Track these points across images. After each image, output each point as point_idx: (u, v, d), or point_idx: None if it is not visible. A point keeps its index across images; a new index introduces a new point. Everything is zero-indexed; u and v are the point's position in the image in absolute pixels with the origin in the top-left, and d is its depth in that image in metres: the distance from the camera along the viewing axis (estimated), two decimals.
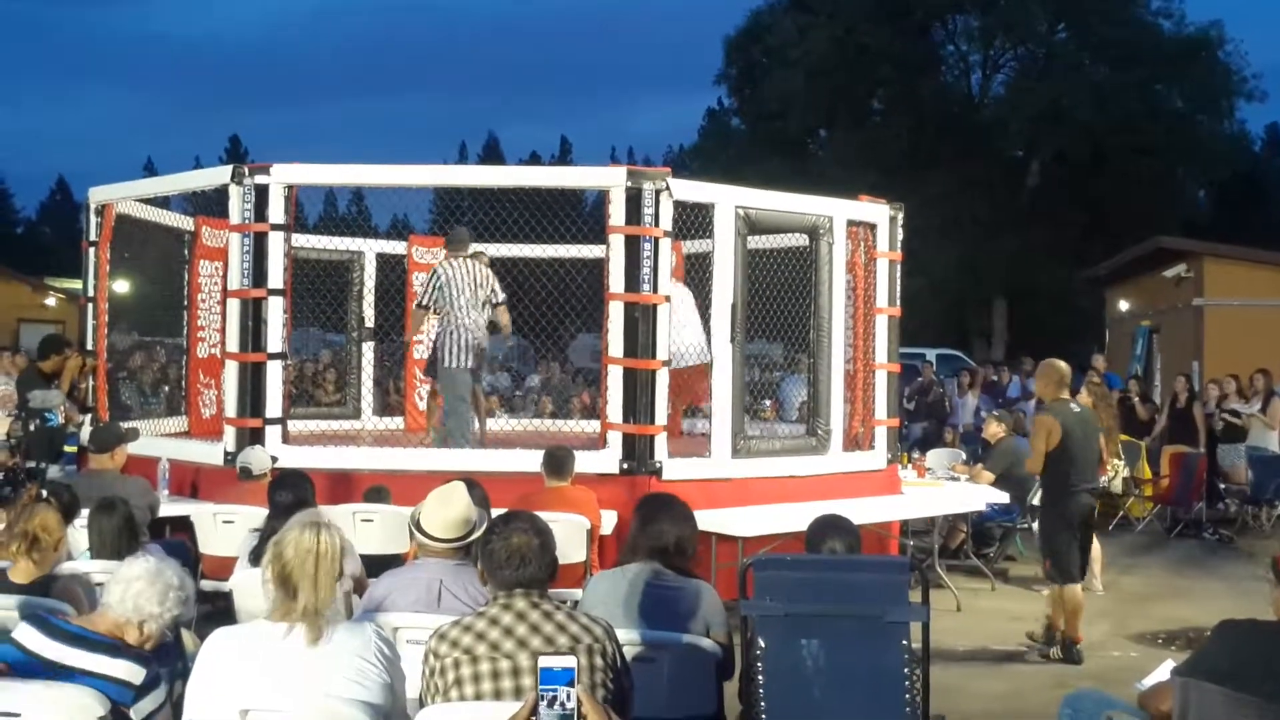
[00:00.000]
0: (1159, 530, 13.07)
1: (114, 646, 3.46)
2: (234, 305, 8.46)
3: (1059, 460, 7.67)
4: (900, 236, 9.53)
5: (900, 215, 9.52)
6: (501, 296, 9.28)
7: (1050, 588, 7.93)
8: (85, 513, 5.66)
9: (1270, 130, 53.57)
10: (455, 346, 9.05)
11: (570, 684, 2.78)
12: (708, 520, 7.25)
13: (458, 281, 9.05)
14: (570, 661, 2.81)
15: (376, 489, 7.53)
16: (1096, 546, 9.95)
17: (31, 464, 8.82)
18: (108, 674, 3.38)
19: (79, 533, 5.65)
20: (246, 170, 8.37)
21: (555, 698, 2.77)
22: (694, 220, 8.49)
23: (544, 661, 2.81)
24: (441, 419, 9.49)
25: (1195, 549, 12.07)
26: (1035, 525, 10.47)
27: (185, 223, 10.64)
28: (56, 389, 9.31)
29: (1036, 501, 10.42)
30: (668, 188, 7.99)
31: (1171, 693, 3.80)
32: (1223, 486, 13.83)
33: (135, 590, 3.50)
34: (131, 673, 3.41)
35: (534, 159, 68.29)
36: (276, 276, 8.33)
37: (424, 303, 9.18)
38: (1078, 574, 7.74)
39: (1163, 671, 4.32)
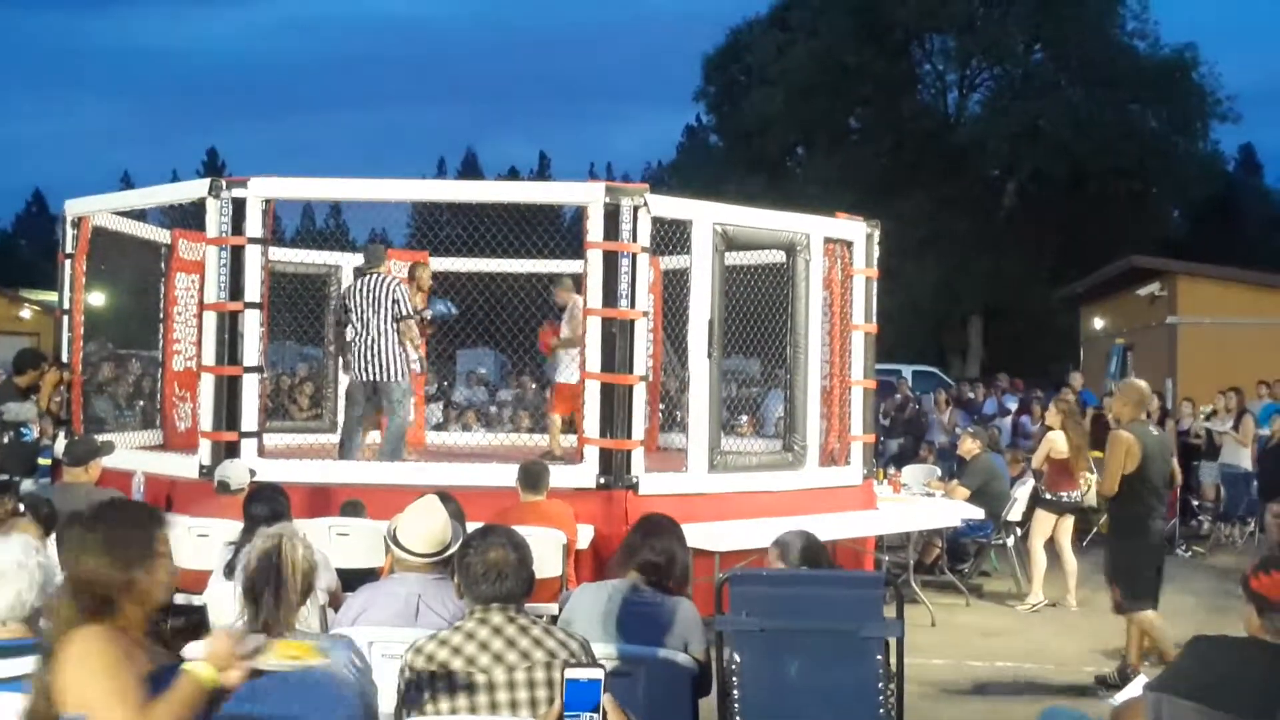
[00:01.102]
0: None
1: (38, 645, 3.44)
2: (210, 318, 8.44)
3: (1136, 484, 7.24)
4: (877, 254, 9.59)
5: (877, 232, 9.57)
6: (404, 311, 9.05)
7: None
8: None
9: (1244, 151, 54.00)
10: (346, 361, 9.38)
11: (596, 706, 2.67)
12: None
13: (356, 299, 9.08)
14: (597, 673, 2.70)
15: (352, 503, 7.50)
16: (1072, 562, 10.03)
17: (5, 477, 8.75)
18: None
19: (50, 546, 5.62)
20: (224, 183, 8.36)
21: (582, 714, 2.67)
22: (672, 236, 8.52)
23: (570, 674, 2.70)
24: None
25: (1168, 565, 12.05)
26: (1010, 541, 10.56)
27: (162, 236, 10.61)
28: (33, 403, 9.26)
29: (1010, 518, 10.52)
30: (646, 204, 8.01)
31: (1144, 708, 3.81)
32: (1195, 503, 13.92)
33: (14, 589, 3.45)
34: None
35: (513, 174, 68.21)
36: (253, 290, 8.31)
37: (338, 318, 9.49)
38: (1151, 599, 7.36)
39: (1135, 687, 4.35)
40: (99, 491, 7.12)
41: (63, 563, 2.96)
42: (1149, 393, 7.91)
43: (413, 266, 10.71)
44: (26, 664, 3.35)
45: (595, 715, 2.66)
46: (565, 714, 2.66)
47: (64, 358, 9.72)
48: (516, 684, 3.38)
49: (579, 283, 8.62)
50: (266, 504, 5.71)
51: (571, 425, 10.57)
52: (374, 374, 8.95)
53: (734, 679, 4.29)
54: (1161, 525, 7.53)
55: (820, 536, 4.95)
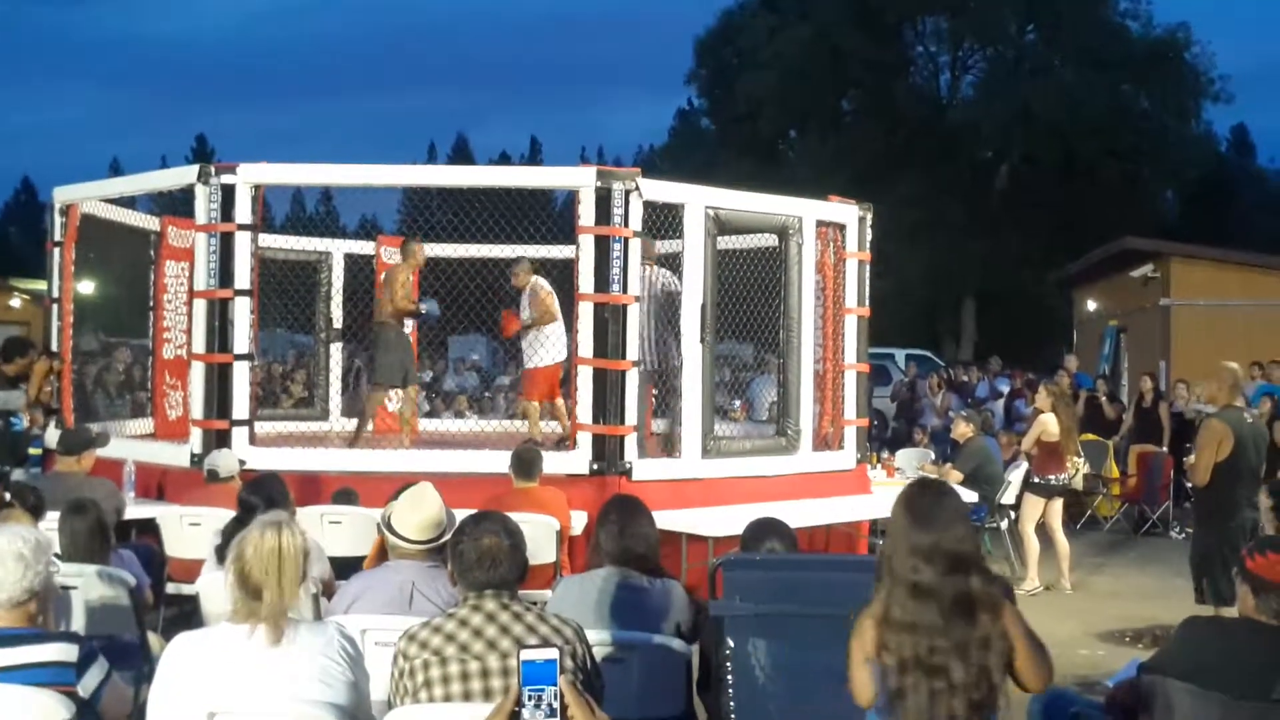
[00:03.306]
0: (1126, 529, 13.17)
1: (37, 635, 3.40)
2: (200, 306, 8.40)
3: (1226, 473, 7.05)
4: (869, 237, 9.56)
5: (869, 216, 9.54)
6: None
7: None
8: (51, 515, 5.59)
9: (1236, 132, 54.03)
10: None
11: (553, 680, 2.73)
12: (677, 520, 7.24)
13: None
14: (552, 654, 2.77)
15: (345, 491, 7.49)
16: (1065, 545, 10.03)
17: None
18: (42, 660, 3.31)
19: (48, 535, 5.58)
20: (213, 170, 8.31)
21: (540, 695, 2.73)
22: (664, 220, 8.49)
23: (526, 655, 2.75)
24: None
25: (1162, 547, 12.15)
26: (1004, 525, 10.56)
27: (151, 223, 10.56)
28: (22, 392, 9.20)
29: (1004, 501, 10.51)
30: (638, 188, 7.98)
31: (1138, 690, 3.81)
32: (1189, 485, 13.92)
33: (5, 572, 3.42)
34: (65, 652, 3.35)
35: (504, 159, 68.08)
36: (243, 277, 8.27)
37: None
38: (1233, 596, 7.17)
39: (1130, 669, 4.34)
40: (91, 481, 7.09)
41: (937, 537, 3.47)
42: (1242, 375, 7.64)
43: (404, 243, 10.37)
44: (13, 655, 3.33)
45: (554, 688, 2.71)
46: (524, 685, 2.72)
47: (54, 346, 9.68)
48: (510, 671, 3.35)
49: (571, 268, 8.56)
50: (264, 493, 5.66)
51: (558, 411, 10.60)
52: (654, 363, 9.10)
53: (727, 664, 4.27)
54: (1252, 515, 7.12)
55: (814, 521, 4.93)
